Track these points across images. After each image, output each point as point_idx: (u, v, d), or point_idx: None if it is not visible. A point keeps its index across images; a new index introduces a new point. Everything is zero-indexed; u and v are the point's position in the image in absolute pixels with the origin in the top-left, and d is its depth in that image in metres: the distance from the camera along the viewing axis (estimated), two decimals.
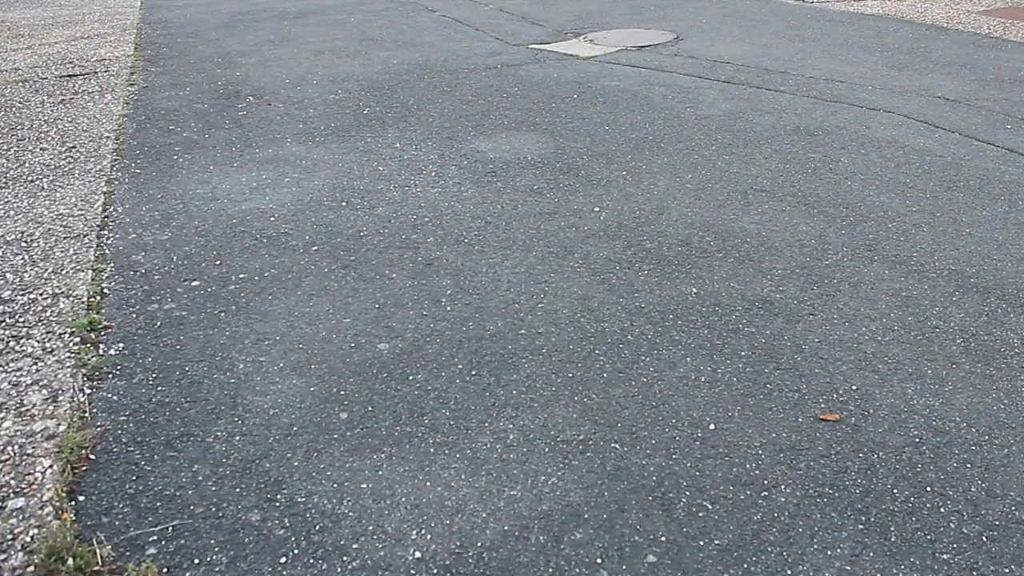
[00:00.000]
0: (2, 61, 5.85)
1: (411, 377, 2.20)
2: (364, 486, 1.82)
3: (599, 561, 1.62)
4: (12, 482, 1.83)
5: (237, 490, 1.82)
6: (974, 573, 1.59)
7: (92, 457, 1.92)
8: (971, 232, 3.00)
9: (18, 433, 1.98)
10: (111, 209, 3.30)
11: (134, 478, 1.86)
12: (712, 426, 2.00)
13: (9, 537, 1.68)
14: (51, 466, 1.87)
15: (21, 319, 2.49)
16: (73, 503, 1.78)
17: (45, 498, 1.77)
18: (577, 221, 3.12)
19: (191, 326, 2.46)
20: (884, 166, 3.62)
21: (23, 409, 2.07)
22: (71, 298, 2.60)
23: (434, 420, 2.03)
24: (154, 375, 2.23)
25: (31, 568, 1.60)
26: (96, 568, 1.61)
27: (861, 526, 1.70)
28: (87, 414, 2.07)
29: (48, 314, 2.51)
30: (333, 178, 3.58)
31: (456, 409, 2.07)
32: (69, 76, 5.38)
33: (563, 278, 2.71)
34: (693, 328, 2.41)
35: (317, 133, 4.18)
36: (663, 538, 1.68)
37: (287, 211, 3.25)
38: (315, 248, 2.94)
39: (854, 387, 2.14)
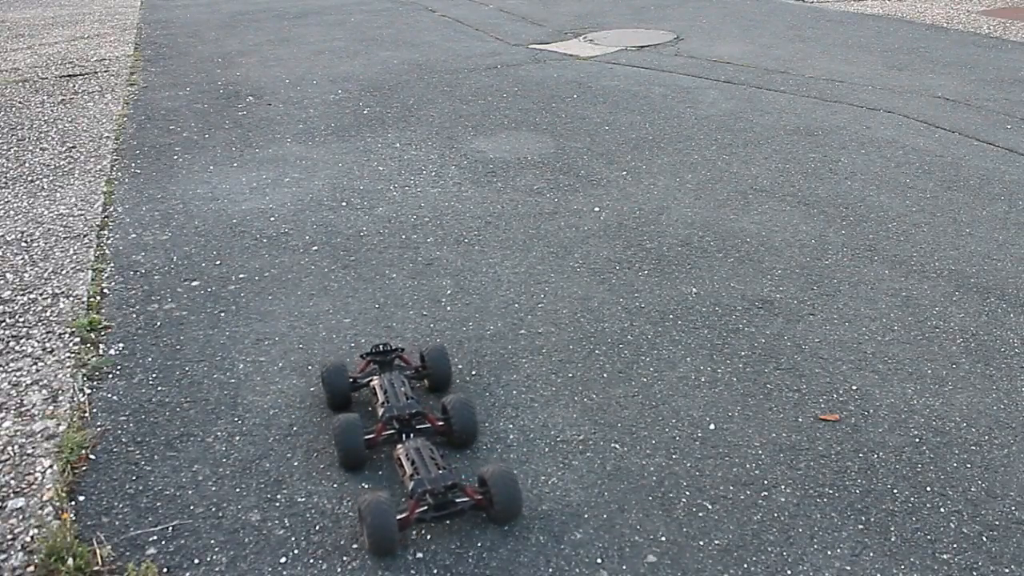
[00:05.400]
0: (2, 61, 5.85)
1: None
2: (364, 486, 1.82)
3: (599, 561, 1.62)
4: (12, 482, 1.83)
5: (237, 490, 1.82)
6: (974, 573, 1.59)
7: (92, 457, 1.92)
8: (971, 232, 3.00)
9: (18, 433, 1.98)
10: (111, 209, 3.30)
11: (134, 478, 1.86)
12: (712, 426, 2.00)
13: (9, 537, 1.68)
14: (51, 466, 1.87)
15: (21, 319, 2.49)
16: (73, 503, 1.78)
17: (45, 498, 1.77)
18: (577, 221, 3.12)
19: (191, 326, 2.46)
20: (884, 166, 3.62)
21: (23, 409, 2.07)
22: (71, 298, 2.59)
23: None
24: (154, 375, 2.23)
25: (31, 568, 1.60)
26: (96, 568, 1.61)
27: (861, 526, 1.70)
28: (87, 414, 2.07)
29: (48, 314, 2.51)
30: (333, 178, 3.58)
31: None
32: (69, 76, 5.37)
33: (563, 278, 2.71)
34: (693, 328, 2.41)
35: (317, 133, 4.18)
36: (663, 538, 1.68)
37: (287, 211, 3.25)
38: (315, 248, 2.94)
39: (854, 387, 2.14)
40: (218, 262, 2.85)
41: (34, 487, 1.81)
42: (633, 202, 3.29)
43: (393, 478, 1.82)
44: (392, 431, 1.88)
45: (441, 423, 1.91)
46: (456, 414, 1.89)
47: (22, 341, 2.37)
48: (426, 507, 1.67)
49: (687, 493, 1.79)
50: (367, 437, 1.85)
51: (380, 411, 1.90)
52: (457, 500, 1.68)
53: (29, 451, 1.92)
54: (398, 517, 1.62)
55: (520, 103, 4.60)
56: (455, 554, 1.64)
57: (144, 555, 1.65)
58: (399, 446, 1.81)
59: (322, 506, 1.77)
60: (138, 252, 2.93)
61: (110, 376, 2.23)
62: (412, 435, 1.86)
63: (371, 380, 2.02)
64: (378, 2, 8.20)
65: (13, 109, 4.64)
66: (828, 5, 7.56)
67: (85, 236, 3.03)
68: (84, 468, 1.88)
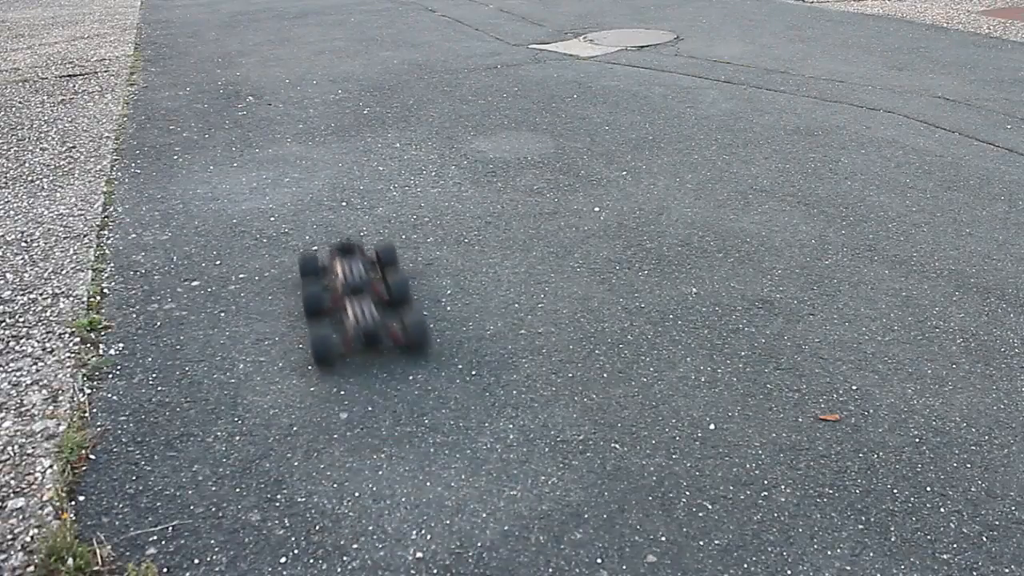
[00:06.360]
0: (2, 61, 5.85)
1: (411, 377, 2.20)
2: (364, 486, 1.82)
3: (599, 561, 1.62)
4: (12, 482, 1.83)
5: (237, 490, 1.82)
6: (974, 573, 1.59)
7: (92, 457, 1.92)
8: (971, 232, 3.00)
9: (18, 433, 1.98)
10: (111, 209, 3.30)
11: (134, 478, 1.86)
12: (712, 426, 2.00)
13: (9, 537, 1.68)
14: (51, 466, 1.87)
15: (21, 319, 2.49)
16: (73, 503, 1.78)
17: (45, 498, 1.77)
18: (577, 221, 3.12)
19: (191, 326, 2.46)
20: (884, 166, 3.62)
21: (23, 409, 2.07)
22: (71, 298, 2.60)
23: (434, 420, 2.03)
24: (154, 375, 2.23)
25: (31, 568, 1.60)
26: (96, 568, 1.61)
27: (861, 526, 1.70)
28: (87, 414, 2.07)
29: (48, 314, 2.51)
30: (333, 178, 3.58)
31: (456, 409, 2.07)
32: (69, 76, 5.38)
33: (563, 278, 2.71)
34: (693, 328, 2.41)
35: (317, 133, 4.18)
36: (663, 538, 1.68)
37: (287, 211, 3.25)
38: (315, 248, 2.94)
39: (854, 387, 2.14)
40: (218, 262, 2.85)
41: (34, 487, 1.81)
42: (633, 202, 3.29)
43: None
44: (347, 295, 2.41)
45: (383, 292, 2.48)
46: (394, 284, 2.49)
47: (22, 341, 2.37)
48: (361, 343, 2.25)
49: (687, 493, 1.79)
50: (328, 307, 2.43)
51: (339, 284, 2.46)
52: (383, 339, 2.27)
53: (29, 451, 1.92)
54: (339, 345, 2.24)
55: (520, 103, 4.60)
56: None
57: (144, 555, 1.65)
58: (348, 302, 2.36)
59: (322, 506, 1.77)
60: (138, 252, 2.93)
61: (110, 376, 2.23)
62: (360, 298, 2.38)
63: (335, 262, 2.57)
64: (378, 2, 8.20)
65: (13, 109, 4.64)
66: (828, 5, 7.56)
67: (85, 236, 3.04)
68: (84, 468, 1.88)
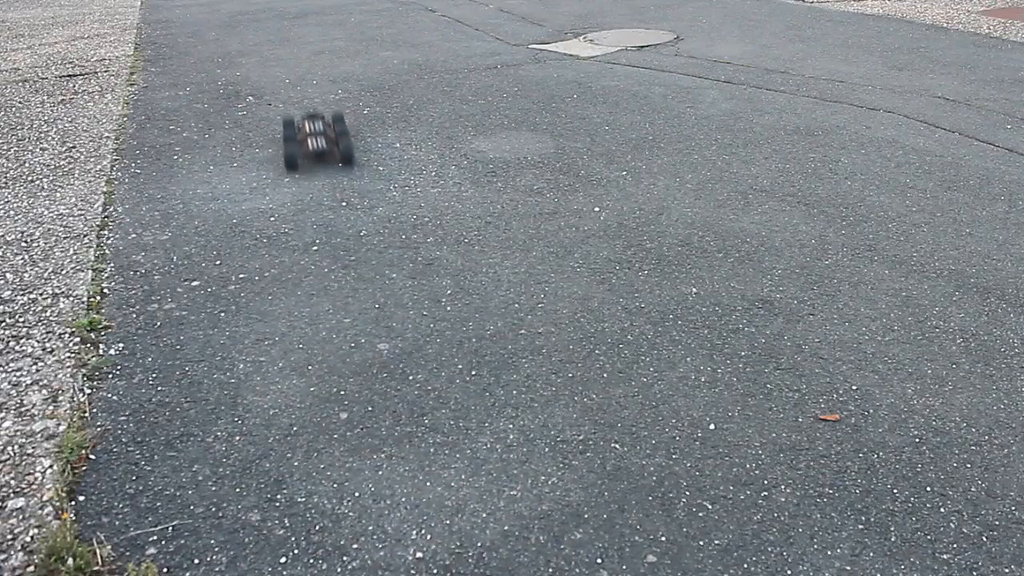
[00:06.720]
0: (2, 61, 5.85)
1: (411, 377, 2.20)
2: (364, 486, 1.82)
3: (599, 561, 1.62)
4: (12, 482, 1.83)
5: (237, 490, 1.82)
6: (974, 573, 1.59)
7: (92, 457, 1.92)
8: (971, 232, 3.00)
9: (18, 433, 1.98)
10: (111, 209, 3.30)
11: (134, 478, 1.86)
12: (712, 426, 2.00)
13: (9, 537, 1.68)
14: (51, 466, 1.87)
15: (21, 319, 2.49)
16: (73, 503, 1.78)
17: (45, 498, 1.77)
18: (577, 221, 3.12)
19: (191, 326, 2.46)
20: (884, 166, 3.62)
21: (23, 409, 2.07)
22: (71, 298, 2.60)
23: (434, 420, 2.03)
24: (154, 375, 2.23)
25: (31, 568, 1.60)
26: (96, 568, 1.61)
27: (861, 526, 1.70)
28: (87, 414, 2.07)
29: (48, 314, 2.51)
30: (333, 178, 3.58)
31: (456, 409, 2.07)
32: (69, 76, 5.38)
33: (563, 278, 2.71)
34: (693, 328, 2.41)
35: None
36: (663, 538, 1.68)
37: (287, 211, 3.25)
38: (315, 248, 2.94)
39: (854, 387, 2.14)
40: (218, 262, 2.85)
41: (34, 487, 1.81)
42: (633, 202, 3.29)
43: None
44: (308, 135, 3.82)
45: (333, 137, 3.83)
46: (338, 131, 3.86)
47: (22, 341, 2.37)
48: (314, 157, 3.73)
49: (687, 493, 1.79)
50: (297, 143, 3.81)
51: (306, 132, 3.84)
52: (326, 155, 3.74)
53: (29, 451, 1.92)
54: (302, 157, 3.73)
55: (520, 103, 4.60)
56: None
57: (144, 555, 1.65)
58: (309, 137, 3.78)
59: (322, 506, 1.77)
60: (138, 252, 2.93)
61: (110, 376, 2.23)
62: (316, 136, 3.78)
63: (304, 122, 3.93)
64: (378, 2, 8.20)
65: (13, 109, 4.65)
66: (828, 5, 7.56)
67: (85, 236, 3.04)
68: (84, 468, 1.88)
